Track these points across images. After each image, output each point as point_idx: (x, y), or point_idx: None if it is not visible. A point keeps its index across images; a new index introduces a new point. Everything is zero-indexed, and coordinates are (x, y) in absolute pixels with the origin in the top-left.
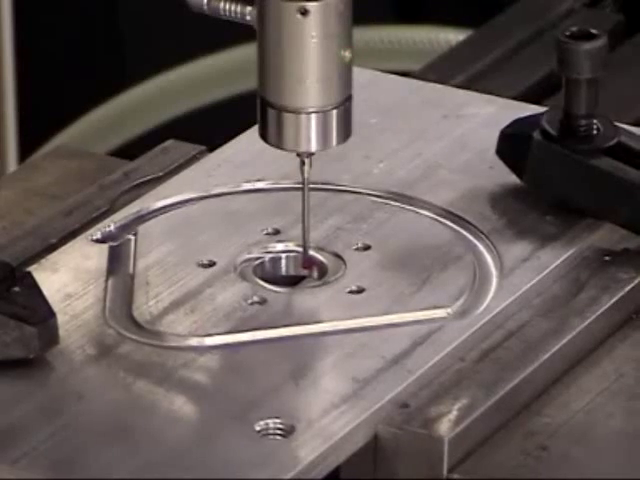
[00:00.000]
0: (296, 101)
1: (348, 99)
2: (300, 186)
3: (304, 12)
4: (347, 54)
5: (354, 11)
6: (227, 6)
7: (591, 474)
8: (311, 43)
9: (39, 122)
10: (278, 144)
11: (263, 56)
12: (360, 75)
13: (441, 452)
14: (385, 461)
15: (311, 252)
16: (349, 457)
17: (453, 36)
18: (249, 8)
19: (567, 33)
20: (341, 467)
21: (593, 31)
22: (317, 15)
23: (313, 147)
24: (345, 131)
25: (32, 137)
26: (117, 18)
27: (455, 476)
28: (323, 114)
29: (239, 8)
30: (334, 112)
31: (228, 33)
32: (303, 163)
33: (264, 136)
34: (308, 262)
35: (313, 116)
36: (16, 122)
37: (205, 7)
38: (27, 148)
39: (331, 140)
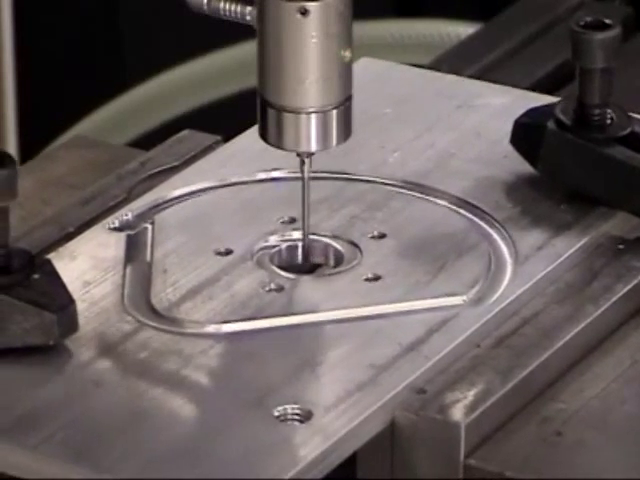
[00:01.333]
0: (296, 101)
1: (348, 99)
2: (316, 175)
3: (304, 12)
4: (347, 54)
5: (360, 6)
6: (227, 6)
7: (606, 460)
8: (311, 43)
9: (39, 123)
10: (278, 144)
11: (263, 56)
12: (374, 65)
13: (458, 437)
14: (402, 446)
15: (328, 241)
16: (366, 442)
17: (462, 30)
18: (249, 8)
19: (581, 23)
20: (358, 452)
21: (607, 21)
22: (317, 15)
23: (313, 147)
24: (345, 131)
25: (32, 138)
26: (117, 17)
27: (471, 462)
28: (323, 114)
29: (239, 8)
30: (334, 112)
31: (239, 28)
32: (303, 163)
33: (264, 136)
34: (307, 261)
35: (313, 116)
36: (16, 122)
37: (205, 7)
38: (27, 148)
39: (331, 140)
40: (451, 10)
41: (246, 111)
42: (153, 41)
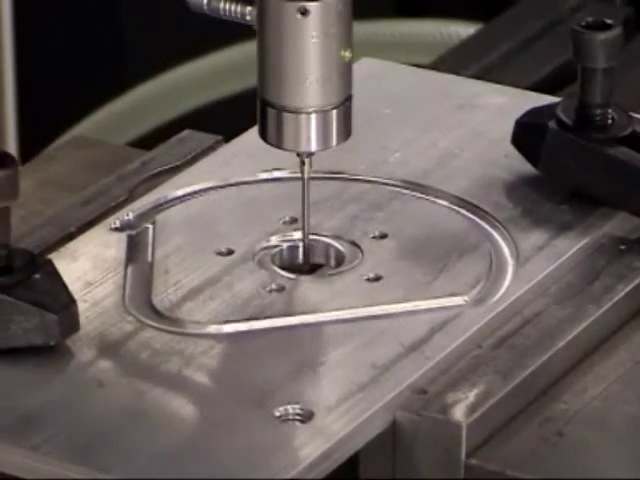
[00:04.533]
0: (296, 101)
1: (348, 99)
2: (317, 175)
3: (304, 12)
4: (347, 54)
5: (361, 5)
6: (227, 6)
7: (607, 460)
8: (311, 43)
9: (39, 124)
10: (278, 144)
11: (263, 56)
12: (374, 65)
13: (459, 437)
14: (403, 447)
15: (330, 241)
16: (368, 443)
17: (463, 30)
18: (249, 8)
19: (582, 23)
20: (360, 453)
21: (608, 21)
22: (317, 15)
23: (313, 147)
24: (345, 131)
25: (32, 138)
26: (119, 17)
27: (473, 461)
28: (323, 114)
29: (239, 8)
30: (334, 112)
31: (240, 28)
32: (303, 163)
33: (264, 136)
34: (307, 262)
35: (313, 116)
36: (16, 123)
37: (205, 7)
38: (27, 149)
39: (331, 140)
40: (451, 10)
41: (247, 111)
42: (154, 42)
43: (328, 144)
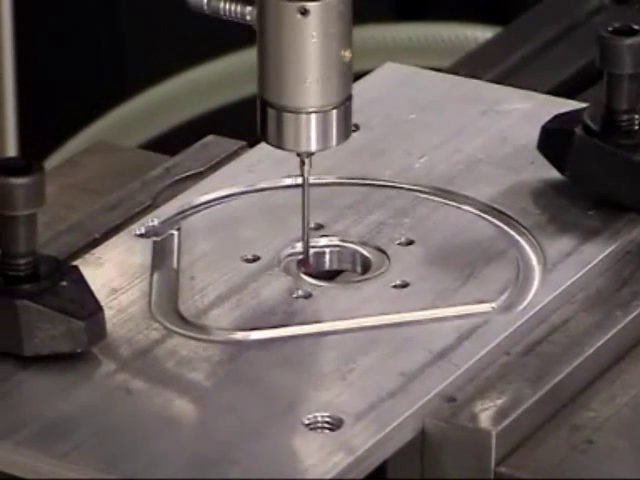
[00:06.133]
0: (296, 101)
1: (348, 99)
2: (342, 181)
3: (304, 12)
4: (347, 54)
5: (375, 9)
6: (227, 6)
7: (637, 468)
8: (311, 43)
9: (39, 124)
10: (278, 144)
11: (263, 56)
12: (398, 71)
13: (489, 445)
14: (432, 455)
15: (356, 247)
16: (396, 451)
17: (479, 33)
18: (249, 8)
19: (609, 28)
20: (388, 461)
21: (635, 27)
22: (317, 15)
23: (313, 147)
24: (345, 131)
25: (32, 140)
26: (119, 18)
27: (502, 469)
28: (323, 114)
29: (239, 8)
30: (334, 112)
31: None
32: (303, 163)
33: (264, 136)
34: (307, 263)
35: (313, 116)
36: (16, 125)
37: (205, 7)
38: (28, 155)
39: (331, 140)
40: (451, 12)
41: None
42: (154, 42)
43: (328, 144)
